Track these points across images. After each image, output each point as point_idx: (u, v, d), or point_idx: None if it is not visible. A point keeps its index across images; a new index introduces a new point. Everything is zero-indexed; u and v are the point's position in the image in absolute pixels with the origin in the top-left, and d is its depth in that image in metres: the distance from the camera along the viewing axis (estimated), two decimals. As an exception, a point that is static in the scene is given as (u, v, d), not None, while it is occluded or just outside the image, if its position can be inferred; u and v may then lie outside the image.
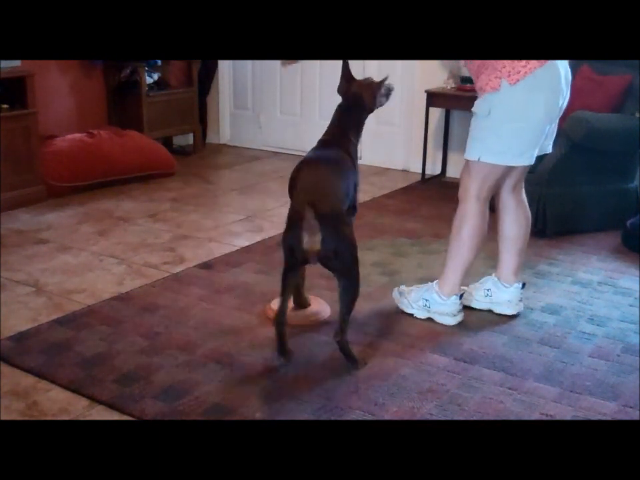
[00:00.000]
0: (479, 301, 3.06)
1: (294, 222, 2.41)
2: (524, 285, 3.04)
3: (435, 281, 2.96)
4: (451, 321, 2.93)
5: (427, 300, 2.95)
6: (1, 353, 2.65)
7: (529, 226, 2.98)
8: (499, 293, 3.01)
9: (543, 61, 2.58)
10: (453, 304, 2.92)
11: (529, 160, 2.77)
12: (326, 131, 2.83)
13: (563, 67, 2.67)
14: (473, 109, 2.77)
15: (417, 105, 5.34)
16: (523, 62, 2.58)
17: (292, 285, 2.65)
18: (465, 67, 2.87)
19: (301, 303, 2.97)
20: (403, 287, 3.08)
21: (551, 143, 2.90)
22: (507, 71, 2.59)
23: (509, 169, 2.80)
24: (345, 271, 2.49)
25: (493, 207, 2.95)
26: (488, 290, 3.04)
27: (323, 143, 2.76)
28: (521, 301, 3.03)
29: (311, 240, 2.36)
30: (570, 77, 2.75)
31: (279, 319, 2.60)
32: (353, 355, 2.59)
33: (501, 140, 2.70)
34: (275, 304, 3.04)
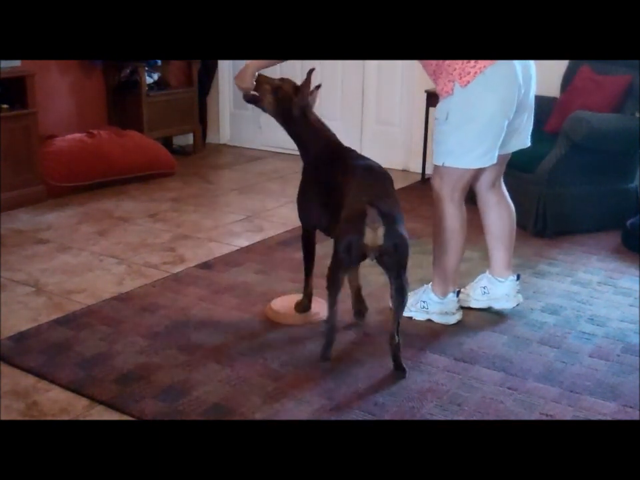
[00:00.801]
0: (477, 300, 3.06)
1: (356, 219, 2.41)
2: (519, 276, 3.04)
3: (430, 283, 2.97)
4: (451, 319, 2.93)
5: (424, 302, 2.95)
6: (1, 353, 2.65)
7: (514, 219, 2.99)
8: (495, 289, 3.02)
9: (509, 61, 2.59)
10: (451, 302, 2.92)
11: (490, 160, 2.74)
12: (332, 140, 2.84)
13: (519, 62, 2.64)
14: (434, 114, 2.80)
15: (417, 105, 5.34)
16: (472, 62, 2.57)
17: (340, 285, 2.58)
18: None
19: (362, 309, 2.98)
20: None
21: (528, 136, 2.90)
22: (458, 74, 2.60)
23: (477, 170, 2.81)
24: (400, 269, 2.48)
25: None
26: (484, 287, 3.05)
27: (351, 151, 2.80)
28: (518, 292, 3.04)
29: (373, 235, 2.40)
30: (533, 70, 2.73)
31: (332, 322, 2.58)
32: (401, 362, 2.56)
33: (461, 143, 2.70)
34: (275, 304, 3.05)
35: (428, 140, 5.21)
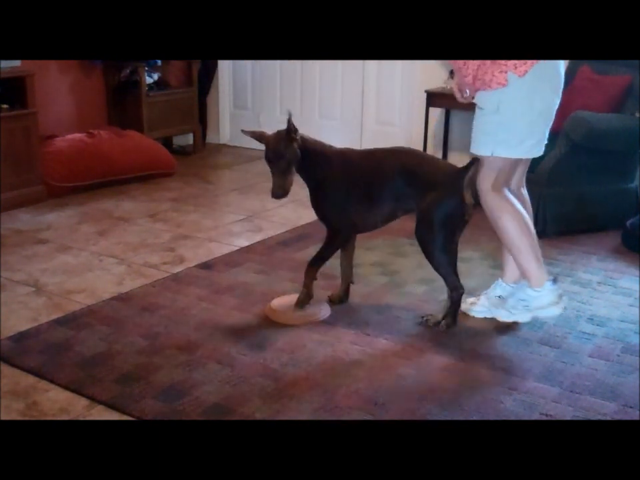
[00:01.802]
0: (512, 313, 2.89)
1: (455, 182, 2.74)
2: (554, 279, 2.86)
3: (522, 280, 2.87)
4: (557, 309, 2.80)
5: (524, 300, 2.84)
6: (1, 353, 2.65)
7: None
8: (535, 300, 2.82)
9: None
10: (551, 291, 2.79)
11: (539, 151, 2.79)
12: (335, 148, 2.95)
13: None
14: (477, 103, 2.72)
15: (416, 104, 5.34)
16: None
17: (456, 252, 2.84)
18: (458, 76, 2.79)
19: (343, 298, 3.13)
20: (484, 299, 2.96)
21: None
22: (513, 64, 2.56)
23: (518, 161, 2.79)
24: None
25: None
26: (499, 296, 2.95)
27: (355, 150, 3.01)
28: (562, 296, 2.85)
29: (468, 195, 2.73)
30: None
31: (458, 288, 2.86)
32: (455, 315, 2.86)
33: (513, 134, 2.67)
34: (275, 304, 3.05)
35: (428, 140, 5.21)
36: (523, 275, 2.85)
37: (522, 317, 2.86)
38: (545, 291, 2.80)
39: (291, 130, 2.79)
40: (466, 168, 2.75)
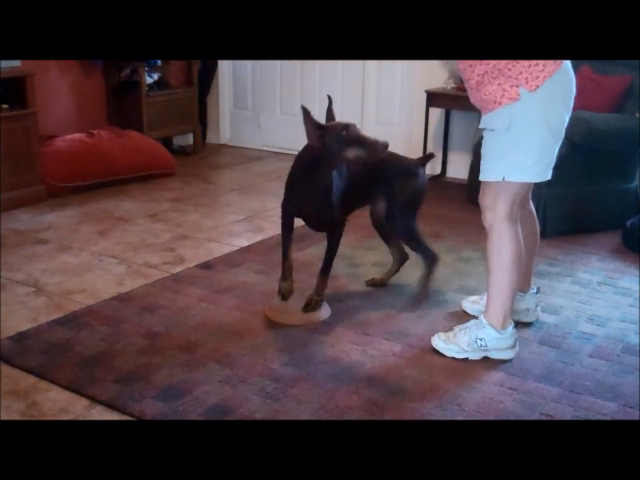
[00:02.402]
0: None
1: (419, 172, 3.13)
2: (538, 289, 2.96)
3: (481, 316, 2.69)
4: (512, 353, 2.68)
5: (481, 339, 2.64)
6: (1, 353, 2.65)
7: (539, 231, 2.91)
8: (515, 303, 2.77)
9: (558, 63, 2.43)
10: (512, 335, 2.68)
11: (550, 174, 2.58)
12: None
13: (572, 70, 2.53)
14: (484, 126, 2.54)
15: (416, 104, 5.34)
16: (540, 66, 2.40)
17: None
18: (462, 77, 2.63)
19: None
20: (441, 334, 2.75)
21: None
22: (524, 78, 2.40)
23: (531, 184, 2.64)
24: None
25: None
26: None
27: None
28: (537, 306, 2.96)
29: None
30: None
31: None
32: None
33: (527, 154, 2.49)
34: (275, 304, 3.05)
35: (428, 140, 5.21)
36: (490, 314, 2.66)
37: (473, 355, 2.67)
38: (508, 334, 2.66)
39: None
40: (424, 159, 3.20)
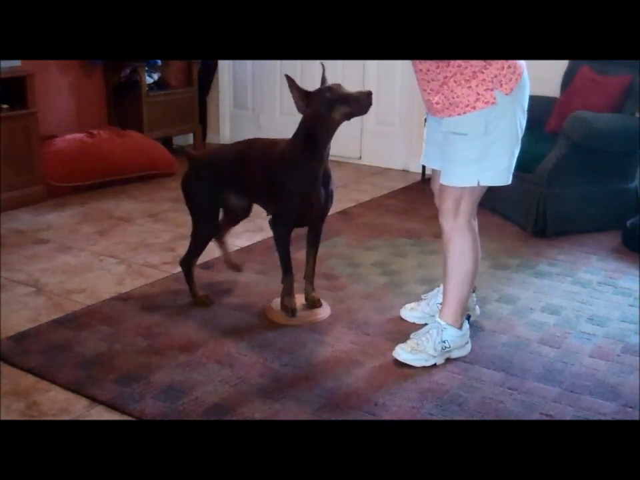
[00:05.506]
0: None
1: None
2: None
3: (438, 319, 2.65)
4: (467, 349, 2.70)
5: (444, 341, 2.61)
6: (1, 353, 2.65)
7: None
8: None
9: (523, 64, 2.44)
10: (467, 330, 2.70)
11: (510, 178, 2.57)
12: None
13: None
14: (451, 130, 2.46)
15: (417, 105, 5.33)
16: (512, 68, 2.38)
17: None
18: (419, 77, 2.53)
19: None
20: (404, 345, 2.64)
21: None
22: (499, 81, 2.38)
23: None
24: None
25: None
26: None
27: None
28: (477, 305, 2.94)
29: None
30: None
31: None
32: None
33: (502, 158, 2.48)
34: (275, 304, 3.05)
35: (428, 140, 5.21)
36: (449, 315, 2.62)
37: (440, 360, 2.62)
38: (465, 330, 2.68)
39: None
40: None
